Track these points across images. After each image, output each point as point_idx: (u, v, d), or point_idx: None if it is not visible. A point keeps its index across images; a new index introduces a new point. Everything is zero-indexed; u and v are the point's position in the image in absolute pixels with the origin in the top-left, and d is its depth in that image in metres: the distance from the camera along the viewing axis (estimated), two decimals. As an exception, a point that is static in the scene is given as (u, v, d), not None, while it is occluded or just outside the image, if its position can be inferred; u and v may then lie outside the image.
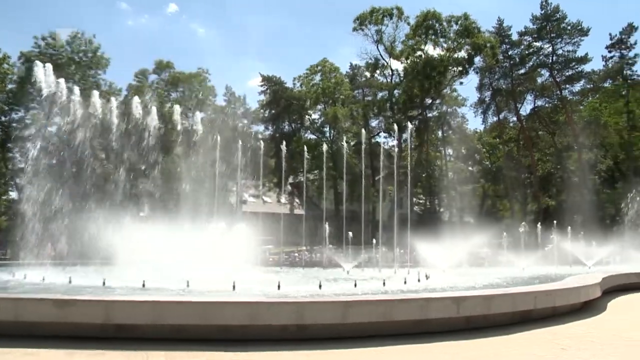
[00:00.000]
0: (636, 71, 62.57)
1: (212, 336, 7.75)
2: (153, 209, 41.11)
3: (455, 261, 32.74)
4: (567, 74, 63.37)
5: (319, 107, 61.20)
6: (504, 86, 65.13)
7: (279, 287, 12.42)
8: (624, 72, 62.24)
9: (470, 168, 75.31)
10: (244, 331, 7.89)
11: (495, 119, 67.38)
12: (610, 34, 62.02)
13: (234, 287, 11.80)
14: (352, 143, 55.64)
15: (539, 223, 46.91)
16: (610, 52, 62.45)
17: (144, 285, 12.30)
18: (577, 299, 12.02)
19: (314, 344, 7.65)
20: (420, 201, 68.88)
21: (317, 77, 61.01)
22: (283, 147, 43.88)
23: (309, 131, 63.01)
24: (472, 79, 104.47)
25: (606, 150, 65.83)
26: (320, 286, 12.82)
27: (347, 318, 8.19)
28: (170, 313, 7.88)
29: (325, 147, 47.28)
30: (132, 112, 28.55)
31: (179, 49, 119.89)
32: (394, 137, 55.70)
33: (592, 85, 64.57)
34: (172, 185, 41.78)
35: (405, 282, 15.18)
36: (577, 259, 36.38)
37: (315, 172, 59.19)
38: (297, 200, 62.43)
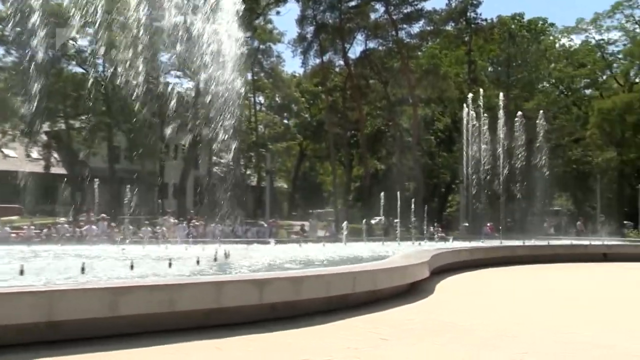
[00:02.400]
0: (480, 14, 67.83)
1: None
2: None
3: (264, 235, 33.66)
4: (405, 11, 66.62)
5: (89, 30, 58.22)
6: (330, 21, 66.74)
7: (21, 272, 11.71)
8: (468, 14, 67.15)
9: (285, 121, 77.20)
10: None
11: (318, 61, 68.98)
12: (455, -34, 66.50)
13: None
14: (134, 81, 54.07)
15: (366, 190, 49.83)
16: (454, -12, 66.94)
17: None
18: (402, 280, 12.91)
19: (70, 347, 7.32)
20: (222, 161, 69.42)
21: (88, -11, 57.95)
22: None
23: (74, 62, 59.78)
24: (291, 9, 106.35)
25: (445, 106, 71.16)
26: (83, 269, 12.33)
27: (116, 310, 7.94)
28: None
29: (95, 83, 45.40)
30: None
31: None
32: (189, 77, 55.09)
33: (432, 27, 68.47)
34: None
35: (198, 262, 15.20)
36: (407, 234, 39.22)
37: (83, 117, 56.72)
38: (55, 155, 59.60)
